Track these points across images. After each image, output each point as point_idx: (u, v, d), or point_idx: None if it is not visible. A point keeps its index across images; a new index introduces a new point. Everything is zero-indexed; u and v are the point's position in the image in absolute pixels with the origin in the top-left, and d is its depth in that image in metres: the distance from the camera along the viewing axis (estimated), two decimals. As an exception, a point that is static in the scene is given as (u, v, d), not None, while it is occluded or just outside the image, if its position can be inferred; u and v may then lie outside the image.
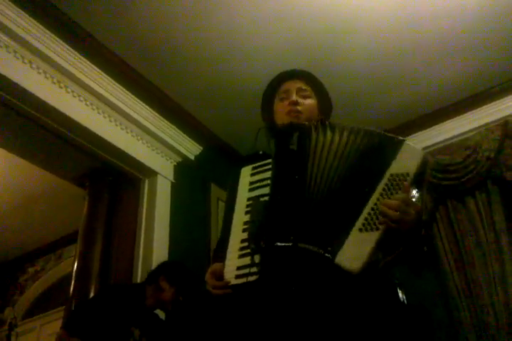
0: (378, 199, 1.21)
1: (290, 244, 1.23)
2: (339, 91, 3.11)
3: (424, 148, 3.44)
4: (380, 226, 1.18)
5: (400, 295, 1.32)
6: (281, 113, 1.61)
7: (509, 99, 3.24)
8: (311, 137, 1.37)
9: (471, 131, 3.32)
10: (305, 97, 1.63)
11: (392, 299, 1.29)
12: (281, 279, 1.27)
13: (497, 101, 3.29)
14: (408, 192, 1.22)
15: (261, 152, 1.54)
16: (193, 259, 2.44)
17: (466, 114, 3.38)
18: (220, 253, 1.39)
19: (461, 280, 2.87)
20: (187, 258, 2.49)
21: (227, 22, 2.69)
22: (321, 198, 1.28)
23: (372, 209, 1.20)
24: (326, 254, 1.20)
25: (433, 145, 3.45)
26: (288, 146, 1.39)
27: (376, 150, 1.32)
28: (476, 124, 3.32)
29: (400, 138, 1.32)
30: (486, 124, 3.25)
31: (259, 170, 1.46)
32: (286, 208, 1.29)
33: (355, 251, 1.17)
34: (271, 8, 2.63)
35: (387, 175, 1.23)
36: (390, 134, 1.36)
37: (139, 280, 2.53)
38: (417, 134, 3.53)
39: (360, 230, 1.19)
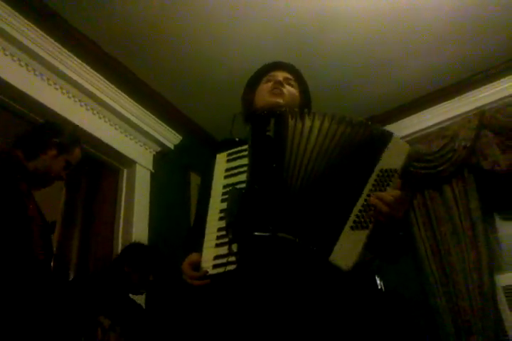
0: (368, 195, 1.19)
1: (269, 234, 1.21)
2: (320, 81, 3.12)
3: (403, 137, 3.47)
4: (370, 225, 1.17)
5: (378, 282, 1.34)
6: (264, 92, 1.61)
7: (486, 89, 3.27)
8: (289, 124, 1.33)
9: (448, 120, 3.35)
10: (291, 86, 1.64)
11: (369, 286, 1.30)
12: (260, 269, 1.26)
13: (474, 91, 3.32)
14: (399, 188, 1.21)
15: (237, 139, 1.50)
16: (172, 248, 2.42)
17: (443, 103, 3.41)
18: (193, 242, 1.37)
19: (437, 266, 2.92)
20: (167, 248, 2.48)
21: (208, 12, 2.66)
22: (303, 189, 1.26)
23: (363, 205, 1.18)
24: (318, 251, 1.19)
25: (411, 134, 3.48)
26: (265, 133, 1.36)
27: (365, 142, 1.28)
28: (453, 113, 3.35)
29: (388, 130, 1.29)
30: (464, 114, 3.29)
31: (234, 156, 1.42)
32: (264, 197, 1.26)
33: (346, 249, 1.16)
34: (257, 2, 2.61)
35: (377, 170, 1.21)
36: (378, 125, 1.33)
37: None
38: (395, 123, 3.55)
39: (352, 228, 1.18)
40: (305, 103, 1.66)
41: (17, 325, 1.46)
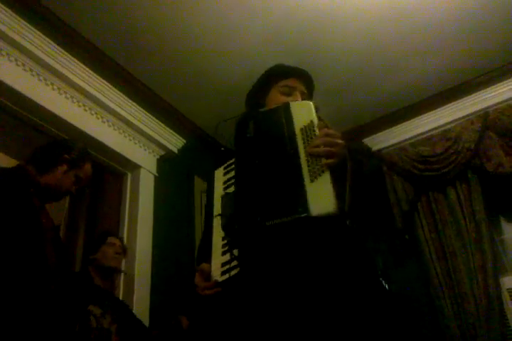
0: (305, 150, 1.31)
1: (256, 227, 1.25)
2: (322, 82, 3.12)
3: (406, 140, 3.49)
4: (324, 168, 1.26)
5: (384, 284, 1.34)
6: None
7: (489, 91, 3.27)
8: (265, 123, 1.46)
9: (452, 122, 3.35)
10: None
11: (374, 289, 1.31)
12: (261, 269, 1.28)
13: (477, 93, 3.31)
14: (324, 129, 1.34)
15: (222, 148, 1.65)
16: (177, 252, 2.44)
17: (446, 106, 3.41)
18: (204, 254, 1.40)
19: (442, 269, 2.91)
20: (171, 252, 2.49)
21: (212, 15, 2.66)
22: (268, 174, 1.34)
23: (307, 159, 1.30)
24: (301, 215, 1.21)
25: (415, 136, 3.48)
26: (245, 135, 1.44)
27: (279, 121, 1.42)
28: (456, 116, 3.35)
29: (282, 105, 1.47)
30: (467, 115, 3.29)
31: (229, 168, 1.49)
32: (248, 194, 1.32)
33: (320, 196, 1.22)
34: (256, 1, 2.61)
35: (298, 130, 1.36)
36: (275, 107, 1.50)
37: (122, 282, 2.54)
38: (399, 125, 3.56)
39: (311, 180, 1.25)
40: None
41: (20, 321, 1.50)
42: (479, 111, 3.24)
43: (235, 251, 1.26)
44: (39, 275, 1.62)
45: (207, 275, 1.32)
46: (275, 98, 1.61)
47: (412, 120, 3.53)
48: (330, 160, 1.27)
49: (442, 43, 2.98)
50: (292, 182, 1.28)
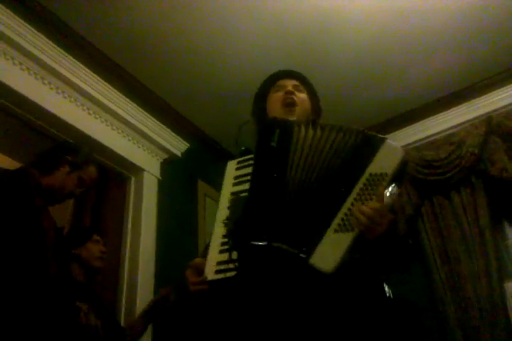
0: (356, 199, 1.20)
1: (264, 243, 1.24)
2: (326, 88, 3.11)
3: (410, 144, 3.48)
4: (356, 228, 1.18)
5: (386, 289, 1.34)
6: (276, 104, 1.63)
7: (493, 95, 3.27)
8: (293, 134, 1.36)
9: (455, 126, 3.34)
10: (300, 91, 1.66)
11: (378, 294, 1.30)
12: (256, 277, 1.28)
13: (481, 97, 3.31)
14: (383, 200, 1.21)
15: (243, 148, 1.55)
16: (180, 255, 2.43)
17: (450, 110, 3.40)
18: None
19: (446, 274, 2.89)
20: (175, 256, 2.48)
21: (214, 17, 2.67)
22: (297, 197, 1.28)
23: (349, 209, 1.19)
24: (301, 254, 1.20)
25: (418, 140, 3.47)
26: (269, 143, 1.39)
27: (357, 149, 1.30)
28: (460, 120, 3.35)
29: (381, 136, 1.30)
30: (471, 120, 3.28)
31: (243, 164, 1.47)
32: (263, 206, 1.30)
33: (329, 251, 1.17)
34: (258, 5, 2.62)
35: (366, 174, 1.22)
36: (371, 132, 1.35)
37: (125, 287, 2.53)
38: (402, 130, 3.55)
39: (336, 231, 1.19)
40: (316, 106, 1.71)
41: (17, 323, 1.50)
42: (483, 115, 3.23)
43: (234, 254, 1.26)
44: (39, 285, 1.61)
45: (198, 270, 1.32)
46: (272, 96, 1.66)
47: (415, 124, 3.52)
48: (364, 231, 1.18)
49: (445, 47, 2.98)
50: (318, 220, 1.23)
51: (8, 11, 2.27)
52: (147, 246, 2.67)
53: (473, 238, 2.89)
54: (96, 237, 2.29)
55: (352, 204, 1.20)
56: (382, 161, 1.23)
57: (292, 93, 1.62)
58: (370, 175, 1.22)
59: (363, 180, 1.22)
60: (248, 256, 1.27)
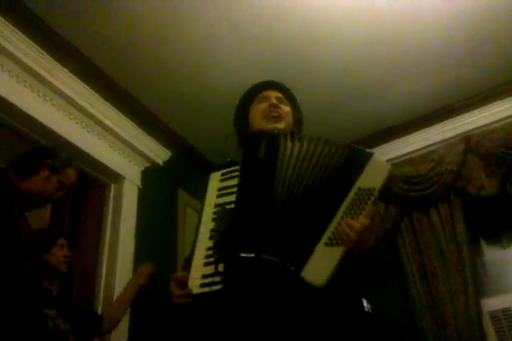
0: (345, 213, 1.20)
1: (252, 255, 1.22)
2: (307, 102, 3.12)
3: (390, 160, 3.51)
4: (346, 242, 1.18)
5: (365, 304, 1.33)
6: (259, 116, 1.61)
7: (473, 114, 3.34)
8: (280, 146, 1.36)
9: (435, 144, 3.40)
10: (284, 104, 1.65)
11: (356, 309, 1.30)
12: (244, 290, 1.26)
13: (461, 116, 3.38)
14: (371, 216, 1.21)
15: (228, 159, 1.53)
16: (159, 266, 2.40)
17: (431, 127, 3.46)
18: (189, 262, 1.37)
19: (424, 289, 2.91)
20: (154, 264, 2.45)
21: (199, 26, 2.67)
22: (286, 209, 1.27)
23: (339, 223, 1.19)
24: (292, 268, 1.20)
25: (399, 156, 3.51)
26: (255, 154, 1.39)
27: (345, 163, 1.30)
28: (440, 138, 3.40)
29: (368, 151, 1.31)
30: (450, 138, 3.34)
31: (227, 176, 1.46)
32: (251, 218, 1.28)
33: (320, 265, 1.17)
34: (244, 15, 2.63)
35: (355, 189, 1.22)
36: (359, 147, 1.35)
37: (102, 293, 2.49)
38: (383, 145, 3.59)
39: (326, 244, 1.18)
40: (298, 120, 1.70)
41: None
42: (462, 134, 3.30)
43: (220, 267, 1.24)
44: (19, 294, 1.58)
45: (183, 284, 1.29)
46: (256, 107, 1.64)
47: (396, 140, 3.57)
48: (351, 246, 1.18)
49: (428, 67, 3.04)
50: (308, 233, 1.22)
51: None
52: (125, 253, 2.63)
53: (450, 254, 2.92)
54: (61, 241, 2.24)
55: (341, 218, 1.20)
56: (371, 176, 1.23)
57: (277, 106, 1.61)
58: (359, 189, 1.22)
59: (351, 194, 1.22)
60: (235, 269, 1.25)
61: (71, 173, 2.01)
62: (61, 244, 2.24)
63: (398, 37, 2.80)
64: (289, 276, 1.21)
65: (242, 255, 1.23)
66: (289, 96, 1.72)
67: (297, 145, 1.35)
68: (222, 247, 1.24)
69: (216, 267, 1.24)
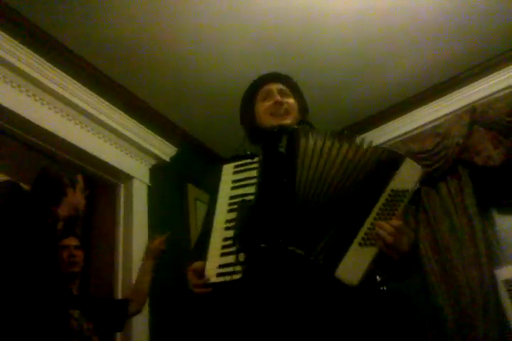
0: (378, 214, 1.22)
1: (277, 246, 1.24)
2: (308, 84, 3.12)
3: (396, 137, 3.52)
4: (379, 243, 1.19)
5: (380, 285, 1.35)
6: (265, 113, 1.62)
7: (476, 85, 3.30)
8: (301, 141, 1.37)
9: (440, 118, 3.37)
10: (287, 97, 1.66)
11: (371, 287, 1.31)
12: (265, 280, 1.29)
13: (464, 88, 3.34)
14: (403, 219, 1.22)
15: (248, 152, 1.53)
16: (173, 260, 2.45)
17: (434, 102, 3.44)
18: (200, 252, 1.40)
19: (437, 264, 2.92)
20: (167, 259, 2.50)
21: (197, 20, 2.67)
22: (313, 204, 1.29)
23: (372, 224, 1.21)
24: (321, 263, 1.21)
25: (405, 133, 3.51)
26: (277, 149, 1.40)
27: (376, 164, 1.31)
28: (444, 111, 3.38)
29: (401, 153, 1.35)
30: (455, 111, 3.31)
31: (242, 168, 1.47)
32: (274, 210, 1.29)
33: (354, 265, 1.18)
34: (242, 7, 2.62)
35: (388, 190, 1.23)
36: (390, 148, 1.38)
37: (120, 292, 2.55)
38: (388, 124, 3.59)
39: (360, 244, 1.20)
40: (303, 107, 1.71)
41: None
42: (467, 105, 3.27)
43: (241, 256, 1.26)
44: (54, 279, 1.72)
45: (200, 273, 1.33)
46: (261, 106, 1.65)
47: (400, 117, 3.55)
48: (385, 249, 1.19)
49: (427, 40, 2.99)
50: (342, 233, 1.24)
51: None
52: (140, 252, 2.67)
53: (462, 227, 2.92)
54: (65, 242, 2.30)
55: (374, 219, 1.22)
56: (404, 178, 1.25)
57: (281, 103, 1.62)
58: (392, 191, 1.23)
59: (385, 195, 1.23)
60: (257, 260, 1.27)
61: (79, 178, 2.09)
62: (64, 245, 2.29)
63: (394, 12, 2.75)
64: (311, 268, 1.24)
65: (265, 246, 1.25)
66: (291, 86, 1.72)
67: (319, 142, 1.36)
68: (244, 238, 1.27)
69: (237, 257, 1.26)
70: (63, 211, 1.93)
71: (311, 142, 1.37)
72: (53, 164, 2.27)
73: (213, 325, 1.47)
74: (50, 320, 1.71)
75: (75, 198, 1.99)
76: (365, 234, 1.20)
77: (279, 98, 1.62)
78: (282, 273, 1.27)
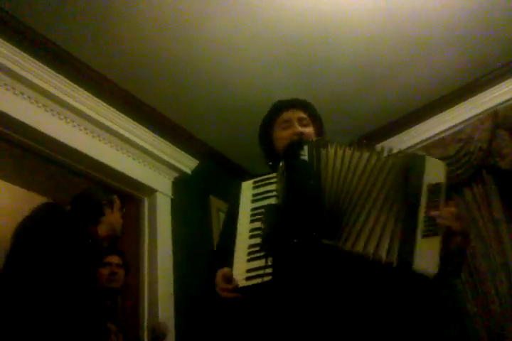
0: (426, 207, 1.27)
1: (311, 240, 1.26)
2: (328, 92, 3.15)
3: (418, 143, 3.49)
4: (440, 231, 1.23)
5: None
6: (284, 143, 1.64)
7: (497, 89, 3.26)
8: (321, 150, 1.42)
9: (462, 123, 3.34)
10: (306, 126, 1.69)
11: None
12: (298, 280, 1.31)
13: (485, 92, 3.30)
14: (452, 205, 1.29)
15: (270, 163, 1.66)
16: (198, 272, 2.47)
17: (456, 107, 3.40)
18: (221, 261, 1.44)
19: (465, 271, 2.87)
20: (192, 272, 2.52)
21: (214, 33, 2.68)
22: (345, 205, 1.33)
23: (425, 217, 1.26)
24: (407, 259, 1.23)
25: (426, 139, 3.48)
26: (299, 157, 1.43)
27: (404, 166, 1.37)
28: (466, 116, 3.34)
29: (420, 153, 1.42)
30: (477, 115, 3.27)
31: (260, 183, 1.52)
32: (303, 208, 1.31)
33: (427, 256, 1.21)
34: (257, 13, 2.62)
35: (425, 185, 1.31)
36: (409, 152, 1.43)
37: (146, 302, 2.58)
38: (409, 130, 3.56)
39: (423, 236, 1.24)
40: (320, 135, 1.73)
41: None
42: (488, 109, 3.23)
43: (270, 260, 1.28)
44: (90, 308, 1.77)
45: (229, 278, 1.35)
46: (279, 134, 1.69)
47: (422, 123, 3.53)
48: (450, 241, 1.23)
49: (446, 44, 2.96)
50: (405, 227, 1.27)
51: (1, 40, 2.33)
52: (165, 264, 2.72)
53: (488, 232, 2.87)
54: (107, 259, 2.37)
55: (425, 212, 1.27)
56: (433, 172, 1.34)
57: (301, 134, 1.64)
58: (428, 185, 1.31)
59: (424, 189, 1.30)
60: (287, 259, 1.30)
61: (116, 198, 2.16)
62: (107, 262, 2.37)
63: (413, 15, 2.73)
64: (346, 263, 1.27)
65: (298, 241, 1.26)
66: (311, 114, 1.75)
67: (339, 151, 1.42)
68: (273, 237, 1.28)
69: (266, 259, 1.28)
70: (102, 230, 2.01)
71: (332, 151, 1.41)
72: (92, 185, 2.32)
73: (247, 329, 1.48)
74: (94, 333, 1.75)
75: (113, 217, 2.09)
76: (424, 225, 1.24)
77: (299, 129, 1.65)
78: (318, 269, 1.30)
